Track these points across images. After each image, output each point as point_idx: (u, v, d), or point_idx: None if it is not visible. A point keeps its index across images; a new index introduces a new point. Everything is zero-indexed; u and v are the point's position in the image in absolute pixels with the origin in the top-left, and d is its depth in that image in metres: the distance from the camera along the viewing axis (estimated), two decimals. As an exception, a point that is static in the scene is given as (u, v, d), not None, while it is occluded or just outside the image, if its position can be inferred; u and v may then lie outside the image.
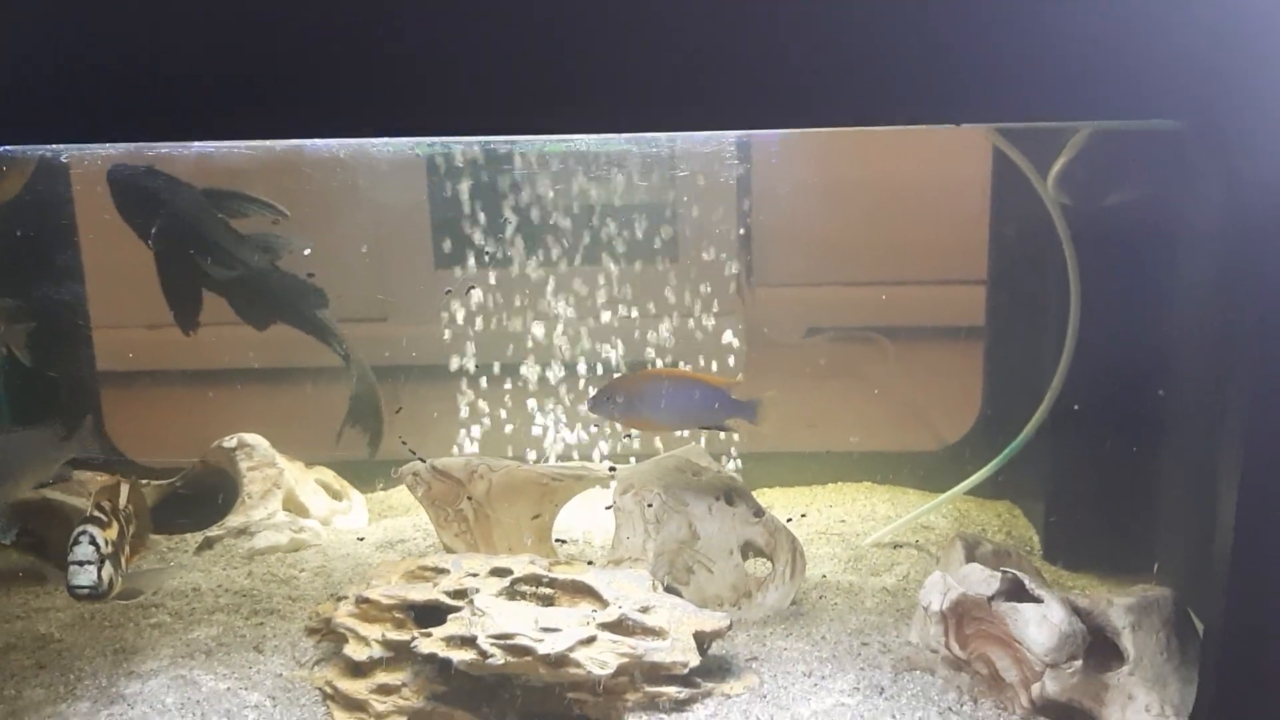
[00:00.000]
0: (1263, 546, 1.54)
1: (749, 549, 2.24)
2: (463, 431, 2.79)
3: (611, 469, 2.38)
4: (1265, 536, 1.54)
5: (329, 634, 1.98)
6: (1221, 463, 1.59)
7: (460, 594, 1.93)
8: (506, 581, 1.96)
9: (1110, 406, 2.30)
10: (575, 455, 2.79)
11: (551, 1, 1.47)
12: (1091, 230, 2.29)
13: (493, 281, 2.71)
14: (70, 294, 2.62)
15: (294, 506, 2.63)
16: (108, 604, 2.13)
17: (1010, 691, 1.83)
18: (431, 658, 1.80)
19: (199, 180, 2.27)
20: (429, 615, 1.90)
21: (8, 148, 2.11)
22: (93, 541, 1.92)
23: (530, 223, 2.66)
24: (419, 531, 2.63)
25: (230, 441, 2.63)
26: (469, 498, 2.33)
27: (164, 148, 2.05)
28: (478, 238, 2.67)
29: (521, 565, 2.00)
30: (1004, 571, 1.85)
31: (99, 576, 1.90)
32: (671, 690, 1.82)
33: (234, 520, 2.55)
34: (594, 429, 2.78)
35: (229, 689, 1.94)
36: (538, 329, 2.72)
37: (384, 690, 1.85)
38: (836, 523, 2.68)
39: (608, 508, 2.29)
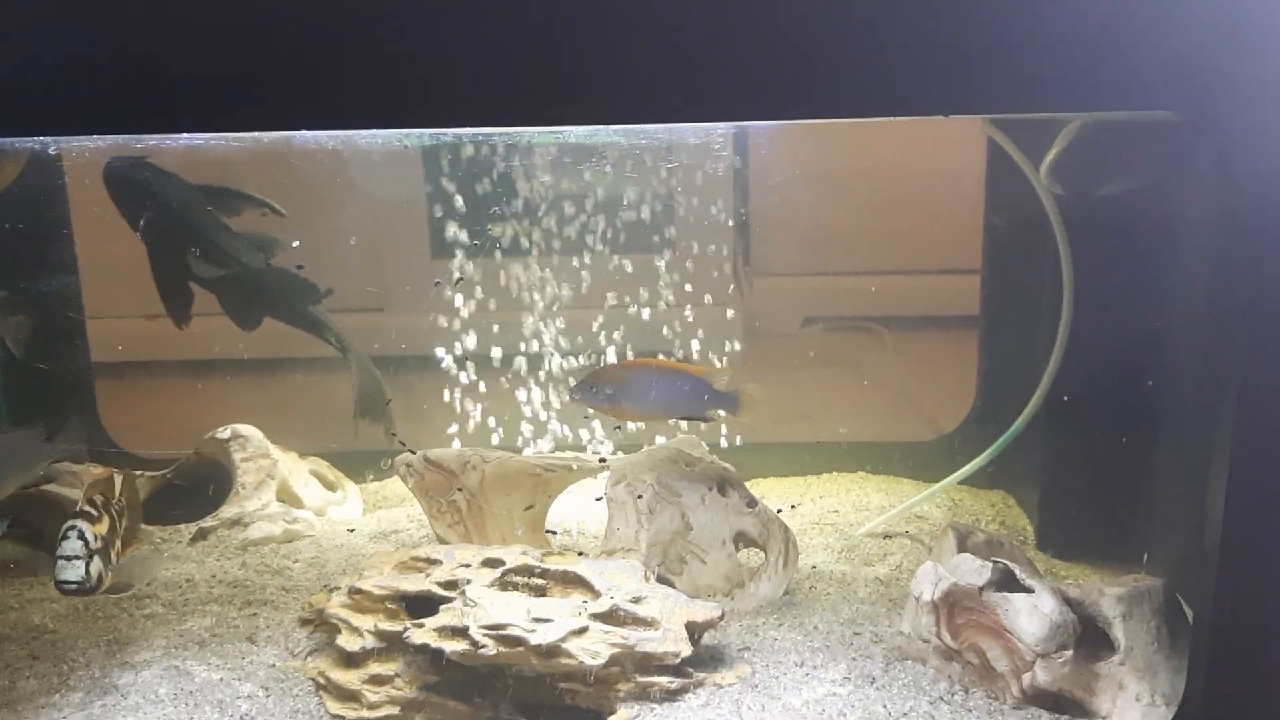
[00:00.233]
0: (1252, 537, 1.55)
1: (742, 539, 2.24)
2: (456, 424, 2.79)
3: (601, 460, 2.38)
4: (1255, 527, 1.54)
5: (322, 625, 1.99)
6: (1212, 453, 1.59)
7: (452, 585, 1.93)
8: (499, 572, 1.96)
9: (1104, 397, 2.30)
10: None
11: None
12: (1085, 220, 2.29)
13: (495, 271, 2.70)
14: (63, 286, 2.62)
15: (288, 497, 2.63)
16: (98, 598, 2.13)
17: (1001, 681, 1.83)
18: (424, 648, 1.81)
19: (191, 174, 2.27)
20: (421, 606, 1.91)
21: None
22: (81, 537, 1.92)
23: (524, 214, 2.66)
24: (413, 522, 2.63)
25: (224, 432, 2.63)
26: (459, 489, 2.33)
27: (152, 139, 2.04)
28: (473, 228, 2.66)
29: (514, 556, 2.01)
30: (995, 562, 1.86)
31: (87, 572, 1.90)
32: (663, 680, 1.83)
33: (228, 511, 2.55)
34: (594, 420, 2.78)
35: (222, 679, 1.94)
36: (533, 319, 2.72)
37: (377, 680, 1.85)
38: (830, 513, 2.68)
39: (598, 499, 2.29)
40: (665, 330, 2.73)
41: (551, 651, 1.77)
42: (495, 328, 2.72)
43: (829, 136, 2.59)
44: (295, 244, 2.34)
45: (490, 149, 2.59)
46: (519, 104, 1.51)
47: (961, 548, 2.11)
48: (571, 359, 2.74)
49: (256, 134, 1.79)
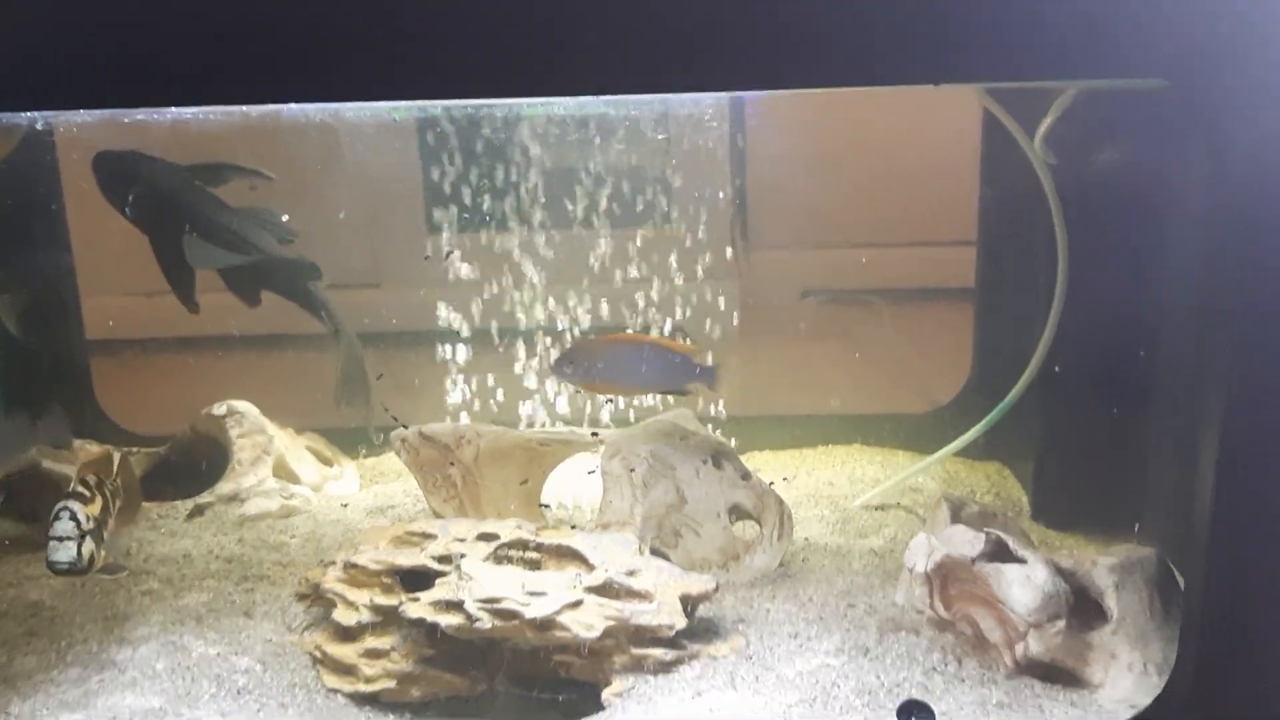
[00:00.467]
0: (1243, 507, 1.55)
1: (736, 512, 2.24)
2: (451, 397, 2.79)
3: (594, 434, 2.38)
4: (1245, 497, 1.55)
5: (318, 599, 2.00)
6: (1205, 424, 1.59)
7: (447, 559, 1.94)
8: (493, 546, 1.97)
9: (1099, 368, 2.30)
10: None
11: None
12: (1080, 191, 2.28)
13: (486, 245, 2.69)
14: (57, 263, 2.61)
15: (284, 473, 2.64)
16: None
17: (994, 651, 1.84)
18: (419, 622, 1.81)
19: (180, 154, 2.26)
20: (417, 580, 1.91)
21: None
22: (73, 517, 1.92)
23: (522, 188, 2.64)
24: (409, 497, 2.64)
25: (220, 409, 2.63)
26: (452, 463, 2.33)
27: (140, 114, 2.03)
28: (467, 201, 2.65)
29: (508, 530, 2.01)
30: (988, 533, 1.86)
31: (78, 553, 1.90)
32: (658, 652, 1.84)
33: (224, 487, 2.55)
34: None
35: (219, 654, 1.95)
36: (530, 295, 2.71)
37: (373, 654, 1.86)
38: (825, 485, 2.69)
39: (590, 473, 2.29)
40: (657, 306, 2.72)
41: (546, 624, 1.78)
42: (482, 300, 2.70)
43: (823, 109, 2.58)
44: (285, 217, 2.33)
45: (486, 121, 2.57)
46: (510, 75, 1.50)
47: (955, 519, 2.12)
48: (570, 334, 2.74)
49: (245, 107, 1.78)
